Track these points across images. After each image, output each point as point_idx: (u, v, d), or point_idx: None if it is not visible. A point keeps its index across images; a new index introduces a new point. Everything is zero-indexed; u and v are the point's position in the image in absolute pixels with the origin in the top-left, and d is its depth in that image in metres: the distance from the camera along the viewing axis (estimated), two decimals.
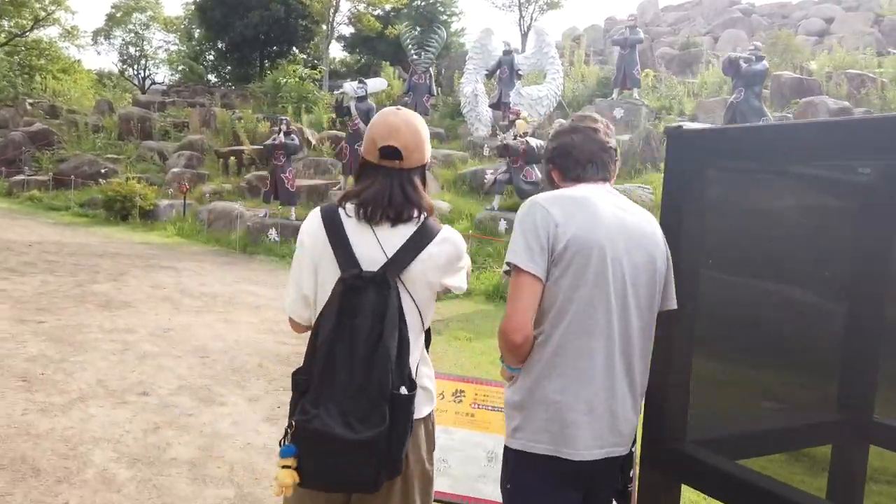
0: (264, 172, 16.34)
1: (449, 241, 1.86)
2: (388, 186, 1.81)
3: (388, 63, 21.58)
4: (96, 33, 38.54)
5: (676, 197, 1.97)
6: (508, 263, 1.78)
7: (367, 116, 13.97)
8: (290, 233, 12.98)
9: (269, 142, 13.35)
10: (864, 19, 24.77)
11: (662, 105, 16.10)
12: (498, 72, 16.47)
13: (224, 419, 4.38)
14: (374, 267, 1.76)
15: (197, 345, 6.01)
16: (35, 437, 3.84)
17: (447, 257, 1.84)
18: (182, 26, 36.38)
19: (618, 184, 11.92)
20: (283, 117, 13.41)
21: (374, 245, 1.79)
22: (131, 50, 38.31)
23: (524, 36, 16.63)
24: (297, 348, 6.12)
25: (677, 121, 15.02)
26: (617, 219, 1.81)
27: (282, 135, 13.10)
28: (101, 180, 17.39)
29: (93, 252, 11.08)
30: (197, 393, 4.82)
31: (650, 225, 1.88)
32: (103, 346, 5.74)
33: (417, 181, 1.86)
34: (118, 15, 37.51)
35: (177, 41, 35.88)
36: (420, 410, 1.84)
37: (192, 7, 31.77)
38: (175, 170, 17.49)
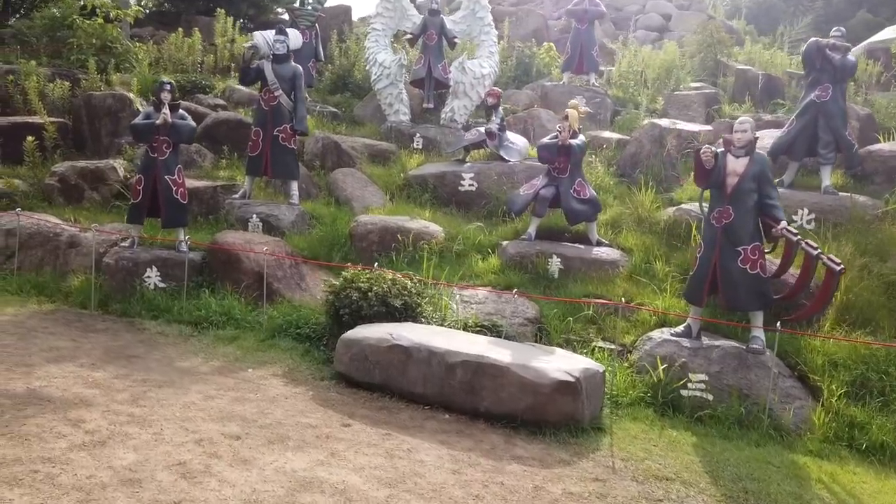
0: (87, 163, 10.26)
1: None
2: None
3: (222, 10, 15.82)
4: None
5: None
6: None
7: (291, 84, 9.10)
8: (184, 274, 7.67)
9: (139, 120, 7.83)
10: (697, 19, 25.13)
11: (616, 95, 13.52)
12: (423, 37, 12.41)
13: None
14: None
15: None
16: None
17: None
18: None
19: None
20: (166, 80, 7.86)
21: None
22: None
23: None
24: None
25: (650, 119, 12.46)
26: None
27: (167, 109, 7.70)
28: None
29: None
30: None
31: None
32: None
33: None
34: None
35: None
36: None
37: None
38: None
